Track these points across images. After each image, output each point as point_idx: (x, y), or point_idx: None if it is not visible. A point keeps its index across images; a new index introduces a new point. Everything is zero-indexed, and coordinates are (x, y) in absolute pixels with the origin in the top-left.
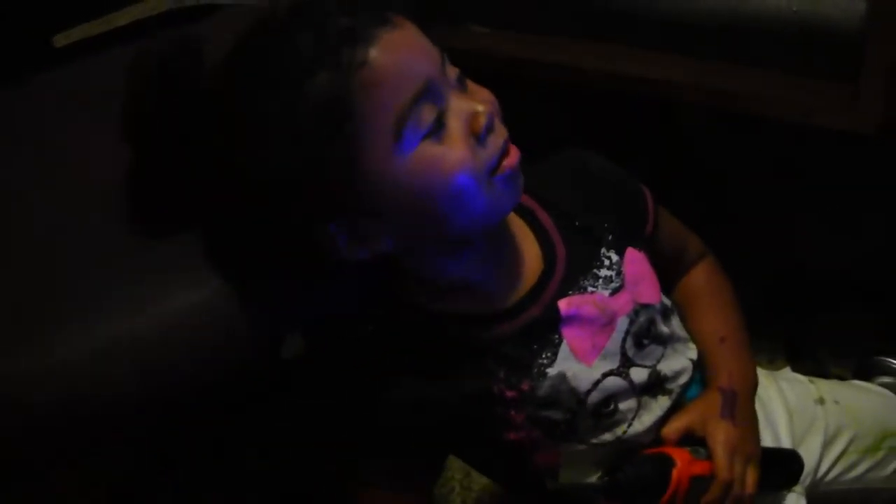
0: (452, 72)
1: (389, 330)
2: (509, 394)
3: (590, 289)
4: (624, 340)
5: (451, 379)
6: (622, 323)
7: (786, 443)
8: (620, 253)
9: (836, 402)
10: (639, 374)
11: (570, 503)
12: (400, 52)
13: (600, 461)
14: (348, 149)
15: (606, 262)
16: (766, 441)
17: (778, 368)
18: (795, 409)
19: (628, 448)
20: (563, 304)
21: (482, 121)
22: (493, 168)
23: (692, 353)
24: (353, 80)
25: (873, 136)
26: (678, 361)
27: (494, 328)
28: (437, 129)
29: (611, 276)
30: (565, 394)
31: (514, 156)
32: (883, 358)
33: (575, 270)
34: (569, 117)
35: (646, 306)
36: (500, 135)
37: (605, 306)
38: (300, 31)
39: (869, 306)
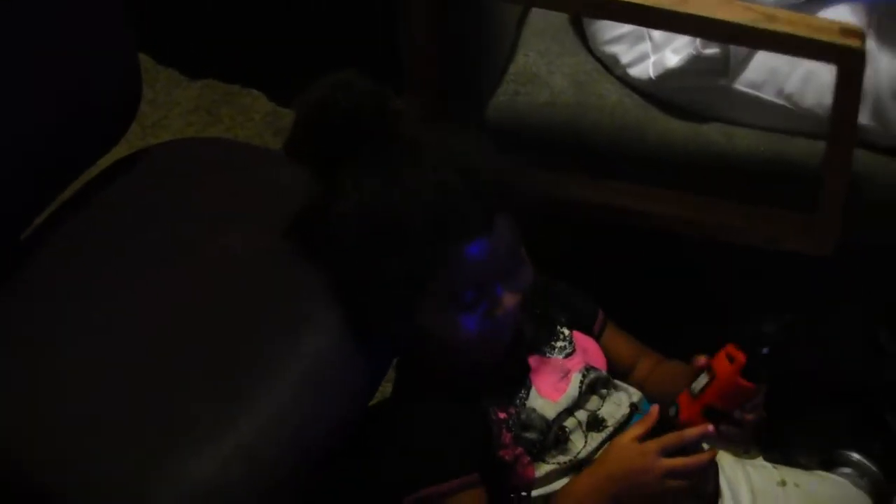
0: (514, 258)
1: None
2: (501, 415)
3: (548, 354)
4: (580, 388)
5: (465, 407)
6: (576, 377)
7: None
8: (571, 330)
9: (797, 486)
10: (581, 415)
11: None
12: (477, 262)
13: (565, 476)
14: (418, 297)
15: (561, 336)
16: None
17: (753, 458)
18: (759, 490)
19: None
20: (531, 361)
21: (499, 314)
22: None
23: (634, 397)
24: (435, 265)
25: (830, 256)
26: (616, 408)
27: (489, 376)
28: (466, 307)
29: (564, 346)
30: (537, 420)
31: (509, 326)
32: (844, 451)
33: (539, 342)
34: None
35: (594, 368)
36: (508, 321)
37: (561, 365)
38: (424, 212)
39: (835, 406)
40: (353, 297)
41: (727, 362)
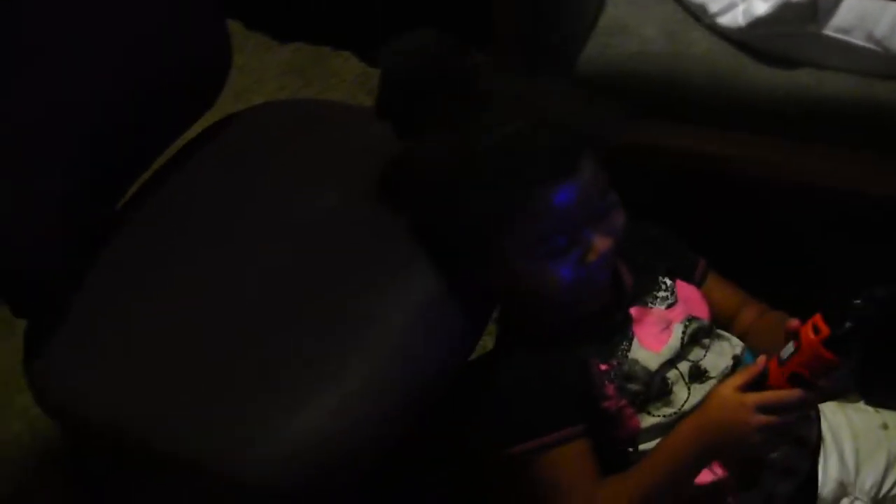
0: (602, 202)
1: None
2: (603, 367)
3: (650, 304)
4: (682, 338)
5: (568, 359)
6: (678, 327)
7: (850, 462)
8: (673, 280)
9: None
10: (684, 367)
11: None
12: (561, 206)
13: (668, 431)
14: (504, 240)
15: (663, 287)
16: (833, 461)
17: (854, 402)
18: (861, 433)
19: None
20: (633, 311)
21: (592, 259)
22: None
23: (737, 349)
24: (516, 206)
25: None
26: (719, 359)
27: (591, 328)
28: (558, 253)
29: (666, 296)
30: (640, 371)
31: (605, 272)
32: None
33: (641, 292)
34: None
35: (696, 318)
36: (603, 267)
37: (663, 316)
38: (512, 157)
39: None
40: (442, 243)
41: (812, 332)
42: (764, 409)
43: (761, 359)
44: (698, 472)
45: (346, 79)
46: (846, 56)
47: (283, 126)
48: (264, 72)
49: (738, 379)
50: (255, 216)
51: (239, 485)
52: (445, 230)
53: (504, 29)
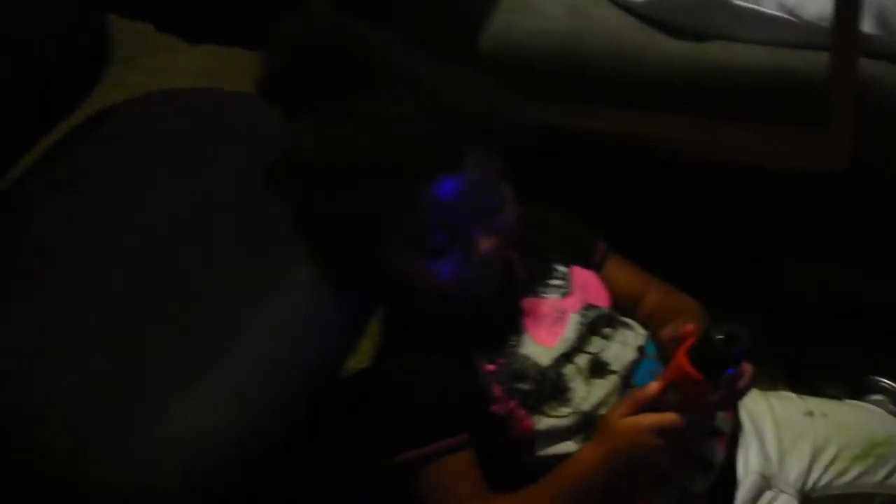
0: (491, 198)
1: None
2: (489, 367)
3: (542, 294)
4: (578, 329)
5: (452, 360)
6: (573, 317)
7: (772, 453)
8: (567, 266)
9: (825, 415)
10: (583, 360)
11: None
12: (442, 203)
13: (569, 436)
14: (377, 237)
15: (556, 274)
16: (753, 452)
17: (777, 389)
18: (783, 421)
19: (591, 424)
20: (524, 304)
21: (476, 259)
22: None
23: (641, 339)
24: (393, 203)
25: (845, 173)
26: (623, 350)
27: (477, 322)
28: (438, 252)
29: (560, 284)
30: (531, 369)
31: (491, 273)
32: (873, 377)
33: (532, 282)
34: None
35: (594, 306)
36: (488, 267)
37: (557, 306)
38: (385, 143)
39: (860, 333)
40: (317, 237)
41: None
42: (661, 432)
43: (652, 385)
44: (601, 499)
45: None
46: (757, 26)
47: (166, 115)
48: (175, 74)
49: (624, 407)
50: (129, 206)
51: (102, 490)
52: (319, 225)
53: (403, 3)
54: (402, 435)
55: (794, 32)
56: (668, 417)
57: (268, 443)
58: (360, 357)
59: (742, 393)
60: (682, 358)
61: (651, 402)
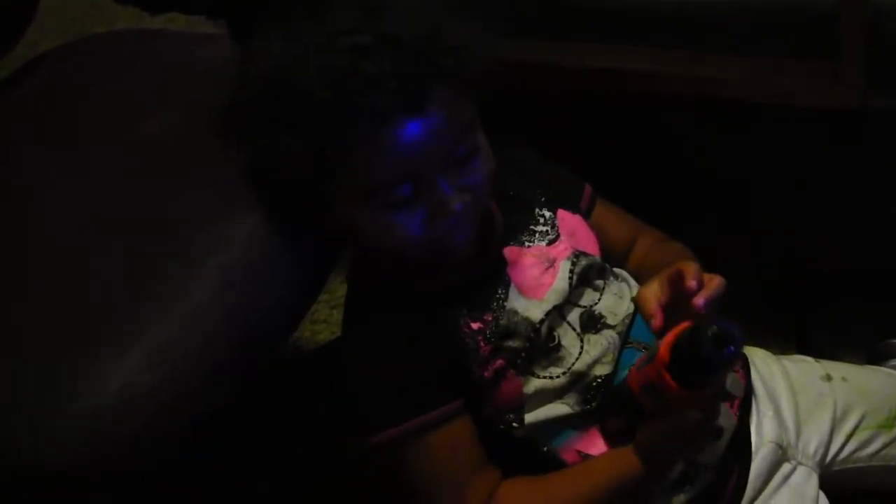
0: (462, 146)
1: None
2: (475, 325)
3: (527, 243)
4: (570, 279)
5: (430, 321)
6: (564, 265)
7: (789, 421)
8: (553, 211)
9: (844, 380)
10: (574, 314)
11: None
12: (403, 147)
13: (560, 395)
14: (330, 184)
15: (541, 220)
16: (767, 419)
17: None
18: (800, 386)
19: (585, 384)
20: (507, 253)
21: (443, 215)
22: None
23: (635, 291)
24: (353, 144)
25: (855, 112)
26: (618, 303)
27: (456, 277)
28: (402, 203)
29: (546, 231)
30: (521, 324)
31: (465, 229)
32: (892, 341)
33: (513, 229)
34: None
35: (585, 254)
36: (462, 227)
37: (544, 254)
38: (341, 80)
39: (875, 295)
40: (266, 185)
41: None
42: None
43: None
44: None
45: None
46: None
47: (106, 58)
48: None
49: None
50: (69, 155)
51: (39, 472)
52: (267, 165)
53: None
54: (380, 410)
55: None
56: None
57: (206, 406)
58: (334, 328)
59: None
60: (664, 347)
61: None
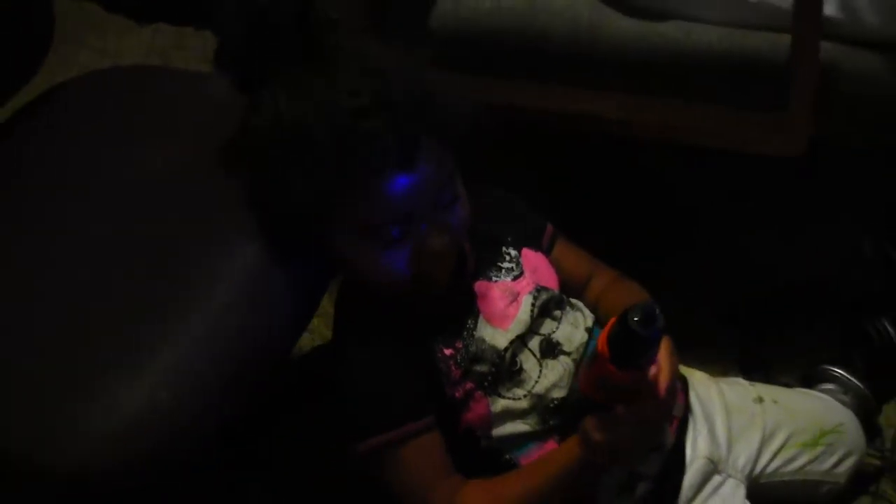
0: (444, 194)
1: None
2: (447, 351)
3: (494, 278)
4: (532, 311)
5: (410, 344)
6: (527, 299)
7: (721, 438)
8: (518, 249)
9: (775, 402)
10: (535, 342)
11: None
12: (394, 198)
13: (523, 416)
14: (327, 221)
15: (507, 258)
16: (702, 437)
17: (727, 376)
18: (734, 407)
19: (544, 406)
20: (477, 287)
21: (424, 256)
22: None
23: (590, 320)
24: (345, 193)
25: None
26: (574, 331)
27: (432, 307)
28: (391, 243)
29: (511, 267)
30: (488, 351)
31: (443, 266)
32: (825, 367)
33: (483, 266)
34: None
35: (545, 288)
36: (440, 264)
37: (509, 288)
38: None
39: (812, 323)
40: (269, 215)
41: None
42: (604, 428)
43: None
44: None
45: (209, 58)
46: (715, 6)
47: (112, 93)
48: (125, 54)
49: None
50: (77, 186)
51: (48, 478)
52: (271, 206)
53: None
54: (367, 421)
55: (752, 12)
56: (615, 420)
57: (220, 420)
58: (314, 335)
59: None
60: (600, 341)
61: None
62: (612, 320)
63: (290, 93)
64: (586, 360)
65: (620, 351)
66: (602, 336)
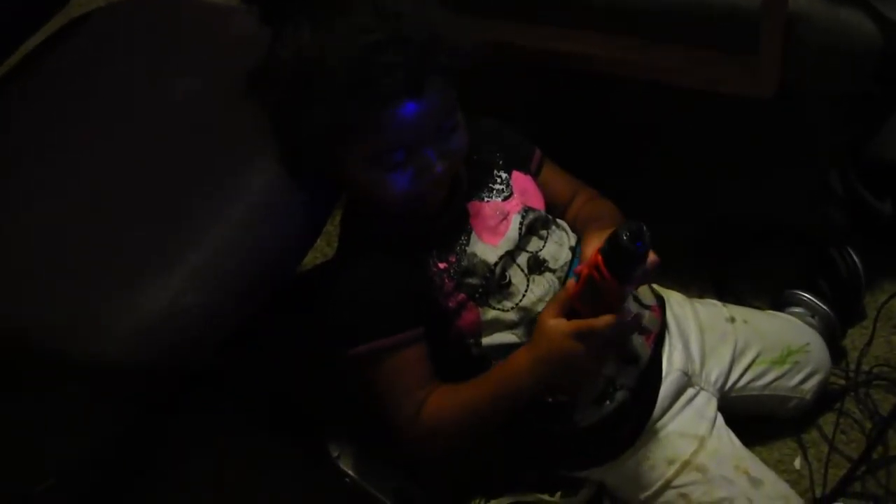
0: (446, 123)
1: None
2: (441, 265)
3: (486, 198)
4: (520, 230)
5: (406, 260)
6: (515, 218)
7: (695, 354)
8: (508, 172)
9: (746, 322)
10: (523, 258)
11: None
12: (403, 124)
13: (511, 327)
14: (341, 147)
15: (498, 180)
16: (677, 352)
17: (702, 297)
18: (707, 325)
19: (531, 319)
20: (470, 206)
21: (426, 176)
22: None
23: (572, 241)
24: (359, 121)
25: (771, 98)
26: (559, 250)
27: (428, 225)
28: (396, 166)
29: (502, 189)
30: (479, 265)
31: (440, 186)
32: (794, 291)
33: (476, 187)
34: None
35: (532, 209)
36: (440, 181)
37: (499, 208)
38: (361, 67)
39: (784, 250)
40: (285, 141)
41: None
42: (580, 336)
43: (570, 283)
44: (530, 398)
45: None
46: None
47: (141, 22)
48: None
49: (553, 307)
50: (106, 110)
51: (97, 363)
52: (291, 130)
53: None
54: (359, 328)
55: None
56: (586, 323)
57: (237, 322)
58: (315, 252)
59: (647, 278)
60: (594, 256)
61: (571, 300)
62: (607, 234)
63: (313, 27)
64: (574, 276)
65: (612, 262)
66: (595, 250)
